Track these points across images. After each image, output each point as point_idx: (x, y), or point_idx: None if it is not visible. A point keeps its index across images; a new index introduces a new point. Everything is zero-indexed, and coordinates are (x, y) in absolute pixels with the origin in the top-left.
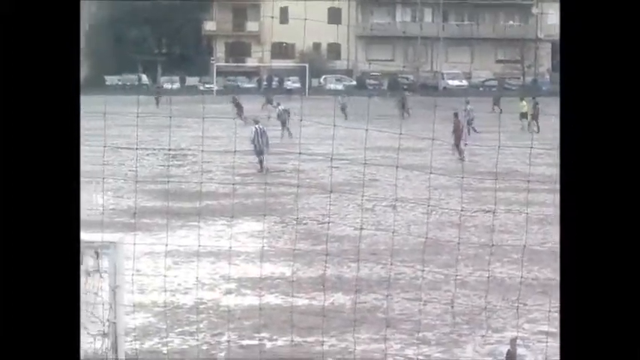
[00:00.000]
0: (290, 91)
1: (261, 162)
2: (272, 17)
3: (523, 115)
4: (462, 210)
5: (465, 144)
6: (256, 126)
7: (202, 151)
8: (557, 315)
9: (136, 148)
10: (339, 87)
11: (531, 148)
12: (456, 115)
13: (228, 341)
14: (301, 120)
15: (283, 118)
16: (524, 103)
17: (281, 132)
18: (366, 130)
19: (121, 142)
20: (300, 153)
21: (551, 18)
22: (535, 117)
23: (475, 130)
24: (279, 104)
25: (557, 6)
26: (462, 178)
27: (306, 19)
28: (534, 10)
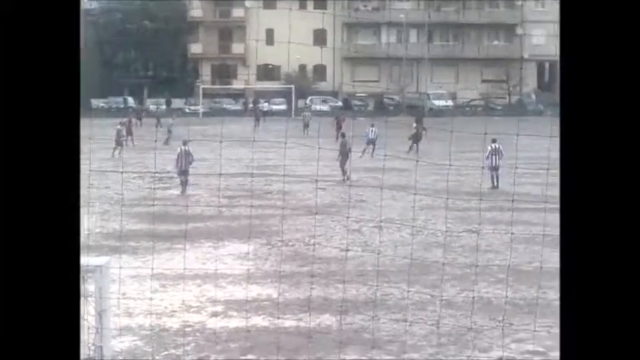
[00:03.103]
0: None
1: (182, 183)
2: (256, 40)
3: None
4: (446, 231)
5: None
6: (182, 147)
7: (190, 174)
8: (543, 334)
9: (122, 172)
10: (325, 108)
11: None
12: (343, 135)
13: None
14: (285, 143)
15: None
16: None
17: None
18: (350, 150)
19: (107, 165)
20: (284, 175)
21: (536, 39)
22: (417, 139)
23: (372, 151)
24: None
25: (541, 26)
26: (447, 198)
27: (291, 42)
28: (518, 31)
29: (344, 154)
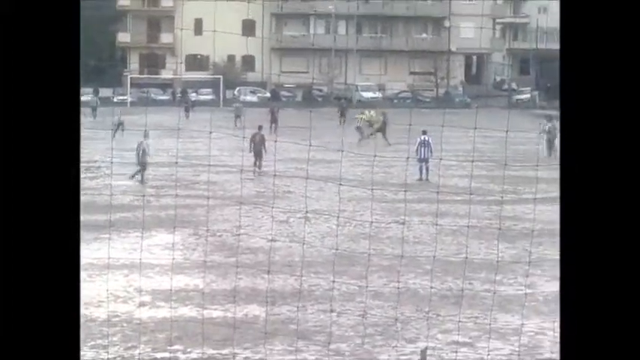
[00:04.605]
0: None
1: (139, 172)
2: (181, 29)
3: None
4: (372, 222)
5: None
6: (142, 140)
7: (112, 163)
8: (469, 325)
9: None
10: (254, 99)
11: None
12: (260, 127)
13: (140, 354)
14: (211, 132)
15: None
16: (370, 114)
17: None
18: (276, 141)
19: None
20: (209, 165)
21: (463, 31)
22: (383, 127)
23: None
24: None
25: (469, 20)
26: (372, 189)
27: (220, 32)
28: (446, 24)
29: (255, 145)
